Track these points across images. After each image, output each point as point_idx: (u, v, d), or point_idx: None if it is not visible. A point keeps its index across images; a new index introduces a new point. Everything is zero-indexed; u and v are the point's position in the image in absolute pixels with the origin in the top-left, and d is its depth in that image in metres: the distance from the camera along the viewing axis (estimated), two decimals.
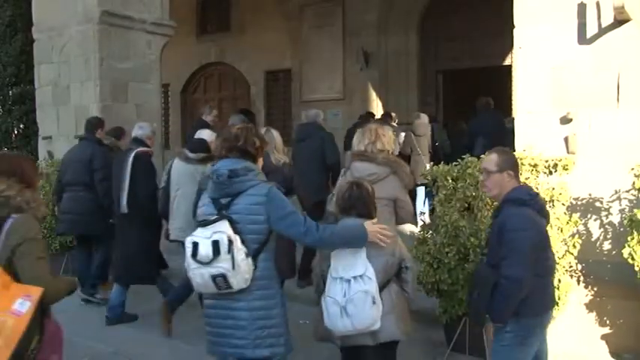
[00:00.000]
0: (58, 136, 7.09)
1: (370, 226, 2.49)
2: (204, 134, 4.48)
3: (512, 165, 2.55)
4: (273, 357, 2.40)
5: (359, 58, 9.69)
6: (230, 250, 2.25)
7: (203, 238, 2.29)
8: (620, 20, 3.60)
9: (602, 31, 3.67)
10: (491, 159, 2.56)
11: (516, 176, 2.55)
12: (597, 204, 3.73)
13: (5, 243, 1.99)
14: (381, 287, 2.58)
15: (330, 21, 10.06)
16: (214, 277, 2.27)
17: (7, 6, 9.22)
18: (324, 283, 2.63)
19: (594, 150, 3.72)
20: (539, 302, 2.43)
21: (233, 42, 11.09)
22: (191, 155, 4.28)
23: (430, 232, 3.83)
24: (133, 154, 4.52)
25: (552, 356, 3.62)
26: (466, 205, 3.67)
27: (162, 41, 7.35)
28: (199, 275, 2.30)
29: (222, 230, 2.28)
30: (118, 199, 4.51)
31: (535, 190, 3.56)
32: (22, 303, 1.91)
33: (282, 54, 10.63)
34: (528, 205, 2.43)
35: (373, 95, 9.75)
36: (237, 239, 2.29)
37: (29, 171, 2.18)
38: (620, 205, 3.66)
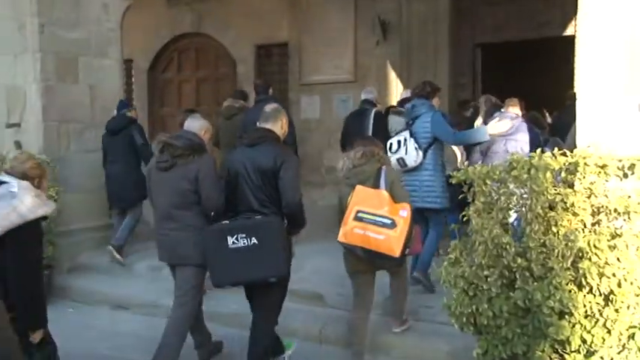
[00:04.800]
0: None
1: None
2: (404, 94, 7.64)
3: None
4: (431, 209, 5.46)
5: (374, 28, 9.70)
6: (405, 144, 5.44)
7: (395, 139, 5.57)
8: None
9: None
10: None
11: None
12: None
13: (386, 182, 4.37)
14: None
15: None
16: (397, 160, 5.43)
17: None
18: None
19: None
20: None
21: (214, 7, 11.09)
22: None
23: (465, 250, 3.77)
24: (372, 113, 7.25)
25: None
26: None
27: (123, 4, 7.35)
28: (393, 160, 5.38)
29: (404, 135, 5.51)
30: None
31: (604, 197, 3.50)
32: (403, 211, 4.18)
33: (278, 23, 10.63)
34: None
35: (392, 75, 9.73)
36: (411, 140, 5.45)
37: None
38: None
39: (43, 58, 6.63)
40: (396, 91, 9.48)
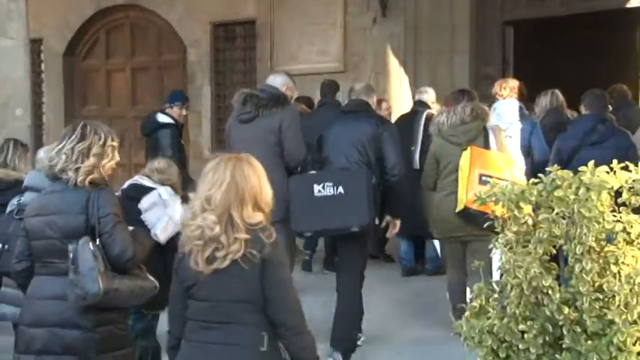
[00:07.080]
0: None
1: None
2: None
3: None
4: None
5: (370, 1, 9.82)
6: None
7: None
8: None
9: None
10: None
11: None
12: None
13: (497, 142, 5.48)
14: None
15: None
16: None
17: None
18: None
19: None
20: None
21: None
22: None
23: (494, 296, 3.77)
24: (424, 115, 7.75)
25: None
26: (554, 252, 3.66)
27: None
28: None
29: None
30: (407, 156, 6.90)
31: None
32: (517, 172, 5.34)
33: None
34: None
35: (394, 64, 9.84)
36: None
37: None
38: None
39: None
40: (400, 85, 9.50)
